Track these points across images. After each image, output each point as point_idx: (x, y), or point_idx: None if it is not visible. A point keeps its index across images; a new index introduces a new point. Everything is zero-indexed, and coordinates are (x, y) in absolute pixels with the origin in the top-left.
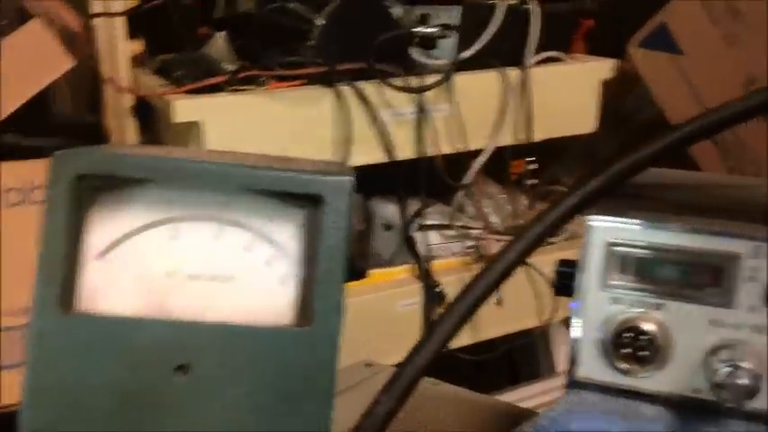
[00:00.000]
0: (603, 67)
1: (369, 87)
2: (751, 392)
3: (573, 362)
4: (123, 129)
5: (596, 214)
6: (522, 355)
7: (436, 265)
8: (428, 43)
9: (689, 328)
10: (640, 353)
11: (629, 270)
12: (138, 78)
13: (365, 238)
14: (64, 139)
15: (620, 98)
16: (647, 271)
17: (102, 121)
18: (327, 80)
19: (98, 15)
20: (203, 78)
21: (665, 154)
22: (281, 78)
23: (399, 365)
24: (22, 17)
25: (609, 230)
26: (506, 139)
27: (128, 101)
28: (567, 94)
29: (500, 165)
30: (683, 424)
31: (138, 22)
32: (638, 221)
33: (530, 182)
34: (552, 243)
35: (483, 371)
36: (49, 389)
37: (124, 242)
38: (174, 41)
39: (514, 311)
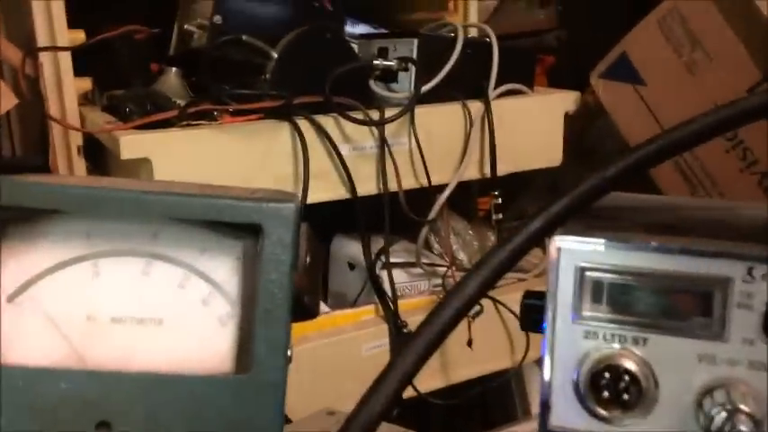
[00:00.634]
0: (567, 99)
1: (328, 121)
2: None
3: (545, 408)
4: (72, 168)
5: (564, 234)
6: (496, 398)
7: (403, 304)
8: (388, 76)
9: (676, 366)
10: (622, 396)
11: (603, 299)
12: (86, 116)
13: (322, 276)
14: None
15: (584, 131)
16: (624, 299)
17: (48, 161)
18: (284, 114)
19: (43, 50)
20: (153, 114)
21: (629, 173)
22: (236, 113)
23: (351, 413)
24: None
25: (579, 252)
26: (471, 173)
27: (76, 139)
28: (532, 127)
29: (465, 200)
30: None
31: (87, 59)
32: (611, 242)
33: (496, 217)
34: (523, 279)
35: (455, 415)
36: None
37: (37, 282)
38: (125, 78)
39: (486, 353)
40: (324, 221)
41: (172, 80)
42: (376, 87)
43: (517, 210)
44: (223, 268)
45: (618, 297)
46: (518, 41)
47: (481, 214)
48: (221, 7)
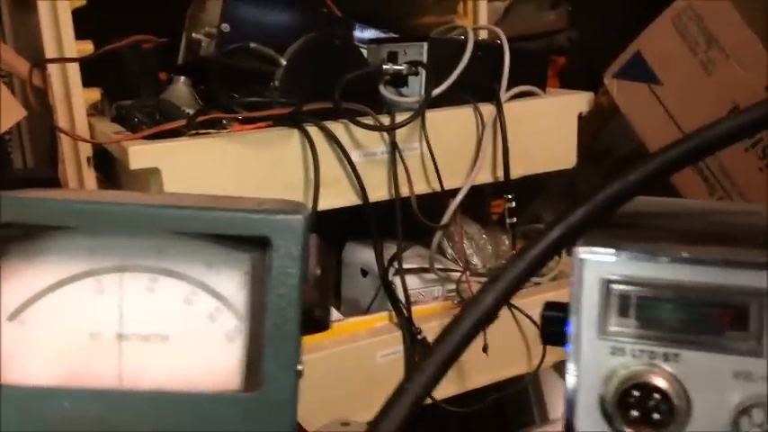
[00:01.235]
0: (580, 101)
1: (337, 127)
2: None
3: (569, 428)
4: (82, 180)
5: (588, 245)
6: (513, 404)
7: (417, 310)
8: (398, 81)
9: (710, 384)
10: (652, 416)
11: (630, 313)
12: (95, 126)
13: (335, 283)
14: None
15: (598, 132)
16: (653, 313)
17: (58, 173)
18: (293, 121)
19: (51, 61)
20: (162, 123)
21: (651, 179)
22: (245, 121)
23: (370, 425)
24: None
25: (604, 265)
26: (483, 177)
27: (86, 150)
28: (545, 129)
29: (478, 203)
30: None
31: (96, 70)
32: (638, 253)
33: (510, 221)
34: (538, 284)
35: (472, 422)
36: None
37: (39, 300)
38: (134, 88)
39: (502, 358)
40: (336, 228)
41: (181, 89)
42: (386, 92)
43: (532, 213)
44: (231, 282)
45: (646, 311)
46: (529, 43)
47: (495, 218)
48: (229, 15)
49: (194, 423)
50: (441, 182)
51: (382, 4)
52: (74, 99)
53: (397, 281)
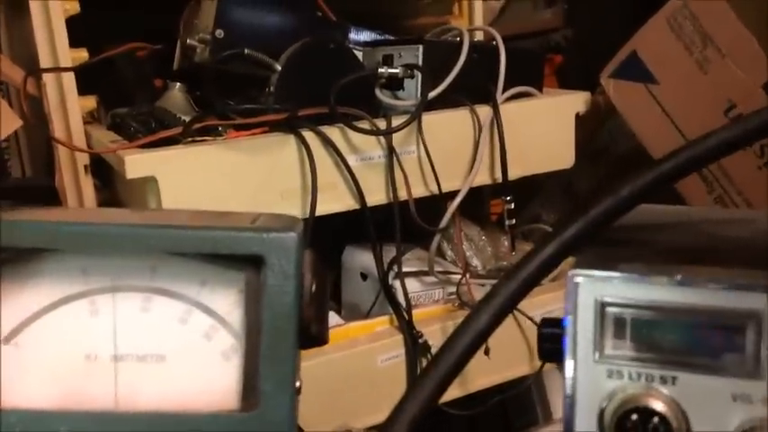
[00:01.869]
0: (577, 101)
1: (333, 132)
2: None
3: None
4: (80, 187)
5: (582, 267)
6: (517, 405)
7: (417, 314)
8: (394, 84)
9: (709, 406)
10: None
11: (626, 335)
12: (92, 134)
13: (335, 289)
14: (15, 203)
15: (596, 131)
16: (649, 335)
17: (55, 182)
18: (289, 126)
19: (46, 71)
20: (158, 131)
21: (644, 194)
22: (241, 127)
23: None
24: None
25: (598, 287)
26: (481, 178)
27: (83, 159)
28: (542, 130)
29: (477, 204)
30: None
31: (90, 77)
32: (633, 275)
33: (509, 222)
34: (540, 284)
35: (477, 424)
36: None
37: (34, 322)
38: (129, 95)
39: (504, 360)
40: (334, 232)
41: (176, 96)
42: (382, 96)
43: (531, 213)
44: (225, 301)
45: (642, 333)
46: (525, 41)
47: (494, 218)
48: (223, 21)
49: None
50: (438, 185)
51: (377, 5)
52: (69, 107)
53: (397, 284)
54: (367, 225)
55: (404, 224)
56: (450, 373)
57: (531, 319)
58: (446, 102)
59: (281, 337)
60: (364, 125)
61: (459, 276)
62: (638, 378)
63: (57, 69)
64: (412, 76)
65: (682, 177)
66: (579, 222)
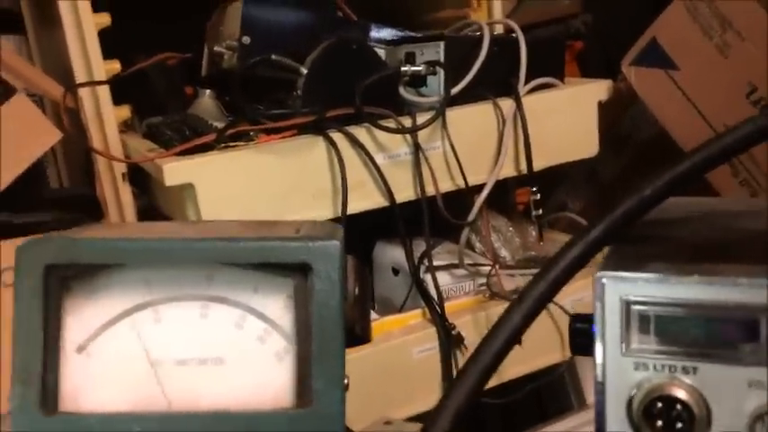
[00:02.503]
0: (599, 89)
1: (360, 132)
2: None
3: None
4: (119, 195)
5: (608, 269)
6: (551, 392)
7: (449, 306)
8: (417, 81)
9: (727, 393)
10: (675, 425)
11: (650, 330)
12: (128, 143)
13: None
14: (58, 213)
15: (618, 118)
16: (671, 330)
17: (95, 190)
18: (317, 128)
19: (84, 85)
20: (192, 138)
21: (666, 193)
22: (271, 131)
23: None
24: (6, 92)
25: (623, 287)
26: (507, 171)
27: (120, 167)
28: (565, 120)
29: (503, 195)
30: None
31: (123, 87)
32: (654, 275)
33: (535, 213)
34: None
35: (511, 412)
36: None
37: (103, 332)
38: (161, 104)
39: (537, 348)
40: (365, 229)
41: (207, 102)
42: (406, 93)
43: (556, 202)
44: (276, 305)
45: (665, 328)
46: (545, 29)
47: (521, 207)
48: (248, 27)
49: None
50: (465, 179)
51: (395, 1)
52: (105, 118)
53: (428, 278)
54: (397, 222)
55: (432, 218)
56: (489, 370)
57: (562, 308)
58: (469, 96)
59: (329, 338)
60: (390, 124)
61: (488, 268)
62: (662, 369)
63: (93, 83)
64: (434, 73)
65: (701, 175)
66: (603, 223)
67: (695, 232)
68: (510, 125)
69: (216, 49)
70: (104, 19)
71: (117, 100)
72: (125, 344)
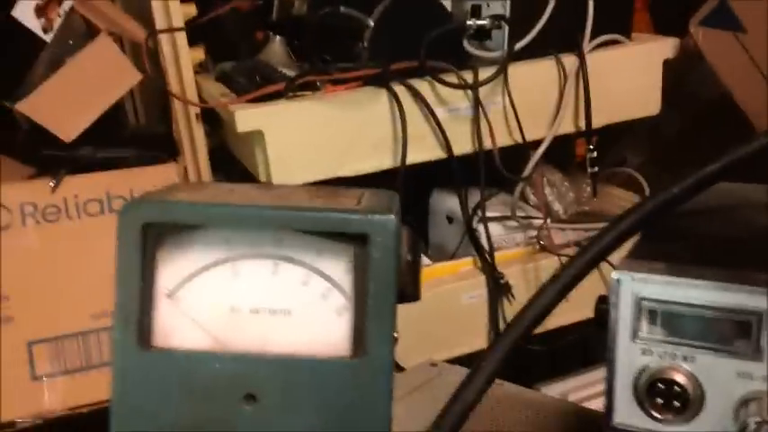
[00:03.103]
0: (665, 47)
1: (423, 85)
2: None
3: (609, 408)
4: (192, 134)
5: (624, 268)
6: (596, 340)
7: (499, 256)
8: (482, 36)
9: (719, 381)
10: (673, 403)
11: (657, 322)
12: (201, 85)
13: (423, 231)
14: (136, 150)
15: (684, 77)
16: (675, 324)
17: (171, 131)
18: (382, 81)
19: (162, 32)
20: (263, 86)
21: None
22: (337, 82)
23: (444, 408)
24: (90, 33)
25: (636, 286)
26: (565, 127)
27: (194, 109)
28: (629, 78)
29: (561, 149)
30: None
31: (197, 29)
32: (663, 277)
33: (591, 170)
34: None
35: (557, 358)
36: (133, 421)
37: (190, 281)
38: (233, 48)
39: (580, 299)
40: (422, 176)
41: (276, 49)
42: (470, 47)
43: (616, 156)
44: (338, 268)
45: (670, 322)
46: None
47: (578, 159)
48: None
49: (314, 381)
50: (522, 134)
51: None
52: (182, 62)
53: (480, 228)
54: (454, 174)
55: (488, 171)
56: (534, 323)
57: (608, 262)
58: (532, 52)
59: (382, 299)
60: (452, 78)
61: (540, 221)
62: (665, 356)
63: (172, 30)
64: (500, 27)
65: (729, 176)
66: (631, 217)
67: (723, 226)
68: (572, 82)
69: None
70: None
71: (191, 41)
72: (207, 292)
